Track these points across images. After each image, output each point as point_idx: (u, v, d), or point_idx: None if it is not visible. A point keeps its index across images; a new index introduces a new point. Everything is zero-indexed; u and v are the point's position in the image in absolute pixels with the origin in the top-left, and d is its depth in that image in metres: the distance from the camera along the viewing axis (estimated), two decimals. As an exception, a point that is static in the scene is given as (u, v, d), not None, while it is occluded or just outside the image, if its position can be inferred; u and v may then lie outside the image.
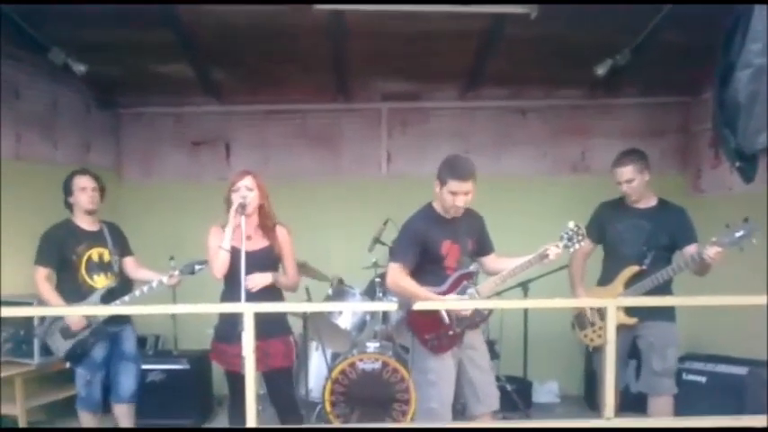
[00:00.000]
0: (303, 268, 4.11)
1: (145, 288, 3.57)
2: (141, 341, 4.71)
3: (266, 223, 3.39)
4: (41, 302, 3.65)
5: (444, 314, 3.11)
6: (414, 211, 3.27)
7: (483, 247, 3.32)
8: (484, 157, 5.04)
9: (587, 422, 2.86)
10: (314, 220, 5.20)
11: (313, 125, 5.66)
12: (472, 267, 3.25)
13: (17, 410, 4.17)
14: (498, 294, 3.79)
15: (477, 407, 3.21)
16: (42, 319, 3.73)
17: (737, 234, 3.18)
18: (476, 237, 3.27)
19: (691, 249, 3.42)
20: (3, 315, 3.25)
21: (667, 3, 3.72)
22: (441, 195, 3.11)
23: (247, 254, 3.16)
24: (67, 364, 3.66)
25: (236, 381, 3.00)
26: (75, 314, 3.56)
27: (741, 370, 4.25)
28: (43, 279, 3.55)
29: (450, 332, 3.13)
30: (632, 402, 3.77)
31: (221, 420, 4.69)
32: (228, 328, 3.17)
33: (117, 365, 3.75)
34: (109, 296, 3.59)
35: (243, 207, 3.23)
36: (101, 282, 3.65)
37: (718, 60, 3.01)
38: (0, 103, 4.31)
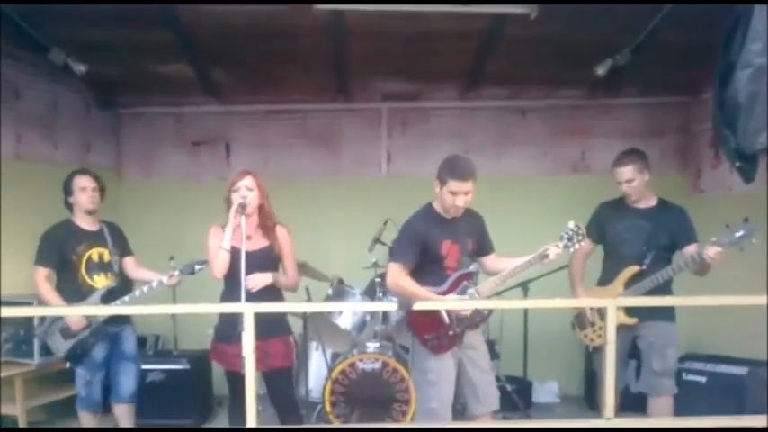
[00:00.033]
0: (303, 268, 4.11)
1: (145, 288, 3.57)
2: (141, 341, 4.71)
3: (266, 223, 3.39)
4: (41, 302, 3.65)
5: (444, 314, 3.11)
6: (414, 211, 3.27)
7: (483, 247, 3.32)
8: (484, 157, 5.04)
9: (587, 422, 2.86)
10: (314, 220, 5.20)
11: (313, 125, 5.66)
12: (472, 267, 3.25)
13: (17, 410, 4.17)
14: (498, 294, 3.79)
15: (477, 407, 3.21)
16: (42, 318, 3.73)
17: (737, 234, 3.18)
18: (476, 237, 3.27)
19: (691, 249, 3.41)
20: (3, 315, 3.25)
21: (667, 3, 3.72)
22: (441, 195, 3.11)
23: (247, 254, 3.16)
24: (67, 364, 3.66)
25: (236, 381, 3.00)
26: (75, 314, 3.56)
27: (741, 370, 4.25)
28: (43, 279, 3.55)
29: (451, 332, 3.13)
30: (632, 402, 3.77)
31: (221, 420, 4.69)
32: (228, 328, 3.17)
33: (117, 365, 3.75)
34: (109, 296, 3.59)
35: (243, 207, 3.23)
36: (101, 282, 3.65)
37: (718, 60, 3.01)
38: (0, 103, 4.31)
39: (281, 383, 3.46)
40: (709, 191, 5.13)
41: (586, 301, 3.70)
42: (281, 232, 3.42)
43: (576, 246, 3.08)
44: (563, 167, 5.58)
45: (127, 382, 3.77)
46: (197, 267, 3.56)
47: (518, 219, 5.00)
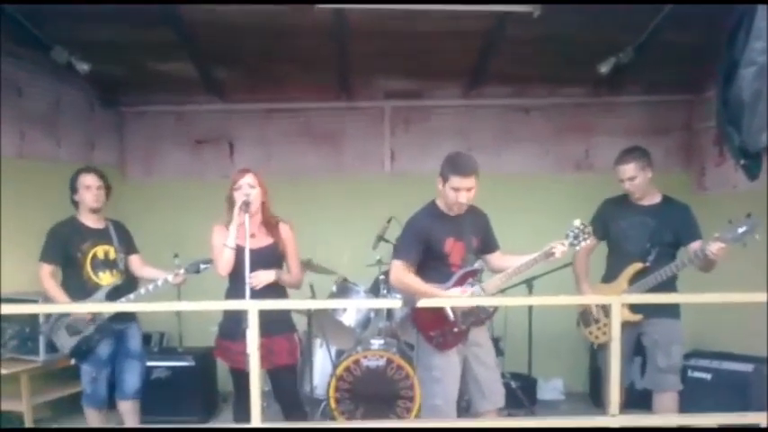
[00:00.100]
0: (308, 265, 4.12)
1: (150, 286, 3.57)
2: (146, 338, 4.73)
3: (269, 220, 3.40)
4: (46, 299, 3.66)
5: (449, 311, 3.11)
6: (417, 209, 3.27)
7: (488, 244, 3.32)
8: (487, 155, 5.04)
9: (592, 419, 2.86)
10: (317, 217, 5.21)
11: (316, 123, 5.67)
12: (477, 265, 3.24)
13: (23, 407, 4.19)
14: (503, 291, 3.78)
15: (482, 404, 3.21)
16: (48, 315, 3.74)
17: (740, 230, 3.17)
18: (480, 234, 3.27)
19: (695, 246, 3.41)
20: (8, 312, 3.25)
21: (669, 2, 3.71)
22: (443, 192, 3.12)
23: (252, 251, 3.16)
24: (73, 361, 3.67)
25: (241, 378, 3.02)
26: (80, 311, 3.57)
27: (746, 367, 4.24)
28: (48, 276, 3.56)
29: (455, 329, 3.13)
30: (637, 399, 3.77)
31: (226, 417, 4.70)
32: (233, 325, 3.18)
33: (122, 362, 3.76)
34: (115, 293, 3.60)
35: (247, 205, 3.24)
36: (106, 279, 3.66)
37: (721, 58, 3.01)
38: (2, 101, 4.32)
39: (286, 381, 3.46)
40: (714, 189, 5.12)
41: (591, 298, 3.70)
42: (284, 229, 3.43)
43: (582, 244, 3.08)
44: (566, 165, 5.58)
45: (132, 378, 3.77)
46: (202, 266, 3.54)
47: (521, 216, 5.00)
